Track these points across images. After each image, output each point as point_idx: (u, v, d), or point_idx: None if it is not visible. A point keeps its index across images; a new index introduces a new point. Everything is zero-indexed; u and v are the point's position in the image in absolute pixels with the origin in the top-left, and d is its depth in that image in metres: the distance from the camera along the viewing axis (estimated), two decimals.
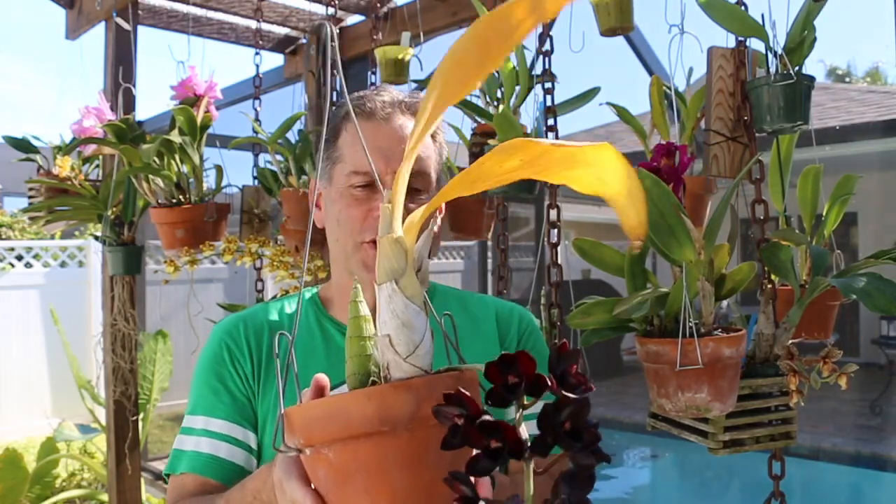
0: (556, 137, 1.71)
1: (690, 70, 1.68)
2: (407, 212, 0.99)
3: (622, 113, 1.73)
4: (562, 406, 0.49)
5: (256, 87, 2.55)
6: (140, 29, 2.69)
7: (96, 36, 2.90)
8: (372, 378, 0.60)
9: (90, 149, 2.45)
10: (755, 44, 1.48)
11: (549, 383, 0.50)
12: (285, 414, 0.58)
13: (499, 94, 1.77)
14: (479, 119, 1.84)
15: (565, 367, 0.52)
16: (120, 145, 2.14)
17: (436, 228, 1.11)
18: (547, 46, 1.72)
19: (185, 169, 2.20)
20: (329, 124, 1.07)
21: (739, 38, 1.48)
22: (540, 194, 1.79)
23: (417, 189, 1.03)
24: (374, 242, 0.99)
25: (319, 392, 0.65)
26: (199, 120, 2.14)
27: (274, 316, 1.10)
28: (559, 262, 1.69)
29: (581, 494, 0.48)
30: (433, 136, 1.08)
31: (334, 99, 2.49)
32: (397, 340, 0.57)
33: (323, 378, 0.65)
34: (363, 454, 0.55)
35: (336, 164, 1.05)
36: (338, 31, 2.71)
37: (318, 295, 1.16)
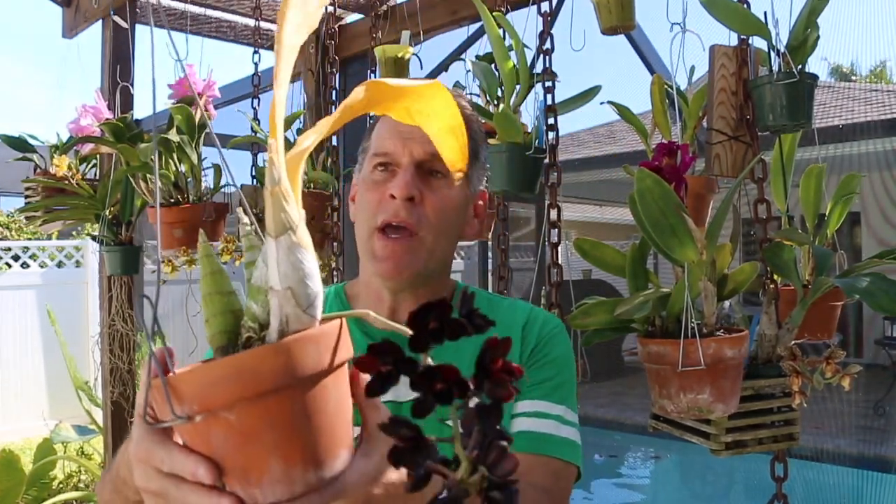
0: (557, 136, 1.70)
1: (692, 69, 1.66)
2: (422, 197, 0.98)
3: (623, 112, 1.71)
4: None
5: (255, 86, 2.54)
6: (137, 27, 2.68)
7: (94, 34, 2.90)
8: (248, 335, 0.57)
9: (87, 148, 2.44)
10: (758, 42, 1.47)
11: (469, 387, 0.52)
12: (171, 382, 0.54)
13: (499, 93, 1.75)
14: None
15: (491, 361, 0.53)
16: (117, 144, 2.13)
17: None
18: (547, 45, 1.70)
19: (183, 168, 2.18)
20: (371, 119, 1.11)
21: (742, 37, 1.47)
22: (540, 194, 1.78)
23: (437, 171, 1.02)
24: (383, 229, 0.99)
25: (164, 363, 0.61)
26: (196, 119, 2.13)
27: None
28: (560, 262, 1.67)
29: (493, 423, 0.51)
30: (466, 128, 1.07)
31: (332, 98, 2.47)
32: (299, 293, 0.56)
33: (162, 350, 0.62)
34: (272, 410, 0.54)
35: (367, 155, 1.07)
36: (337, 29, 2.69)
37: (345, 290, 1.14)
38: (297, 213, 0.57)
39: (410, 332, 0.53)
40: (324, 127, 0.59)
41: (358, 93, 0.59)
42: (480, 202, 1.11)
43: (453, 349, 0.55)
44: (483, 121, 1.80)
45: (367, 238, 1.02)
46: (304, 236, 0.57)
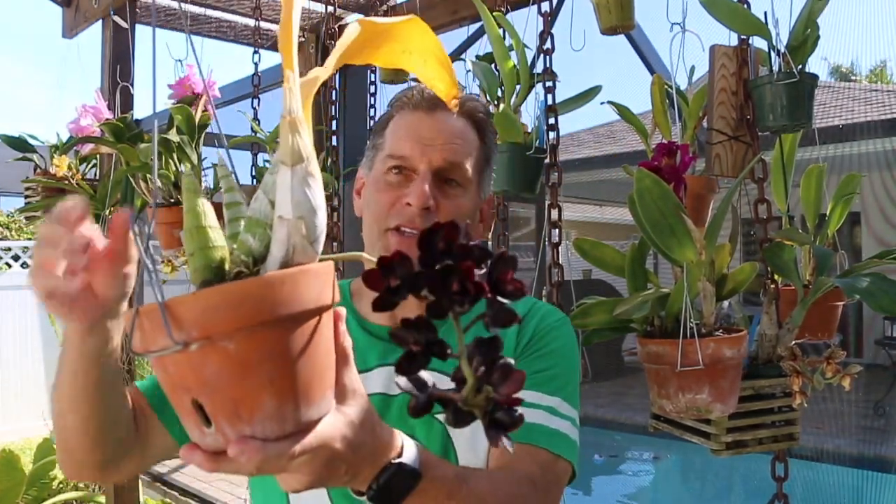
0: (557, 136, 1.70)
1: (692, 69, 1.66)
2: (437, 205, 0.97)
3: (623, 112, 1.71)
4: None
5: (255, 86, 2.54)
6: (137, 27, 2.68)
7: (94, 34, 2.90)
8: (237, 269, 0.55)
9: (87, 148, 2.44)
10: (758, 42, 1.47)
11: (484, 288, 0.51)
12: (168, 306, 0.51)
13: (499, 93, 1.76)
14: None
15: (500, 273, 0.52)
16: (117, 144, 2.13)
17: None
18: (548, 45, 1.70)
19: (183, 168, 2.18)
20: (382, 115, 1.10)
21: (742, 37, 1.47)
22: (541, 194, 1.78)
23: (452, 179, 1.02)
24: (397, 229, 0.99)
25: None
26: (197, 119, 2.13)
27: None
28: (560, 262, 1.67)
29: (494, 353, 0.51)
30: (481, 134, 1.07)
31: (332, 97, 2.47)
32: (310, 223, 0.55)
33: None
34: (272, 341, 0.52)
35: (378, 152, 1.06)
36: (337, 29, 2.69)
37: (350, 286, 1.14)
38: (311, 144, 0.57)
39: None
40: (329, 63, 0.60)
41: (353, 30, 0.59)
42: (486, 206, 1.11)
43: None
44: None
45: (378, 237, 1.01)
46: (316, 168, 0.57)
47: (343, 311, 0.63)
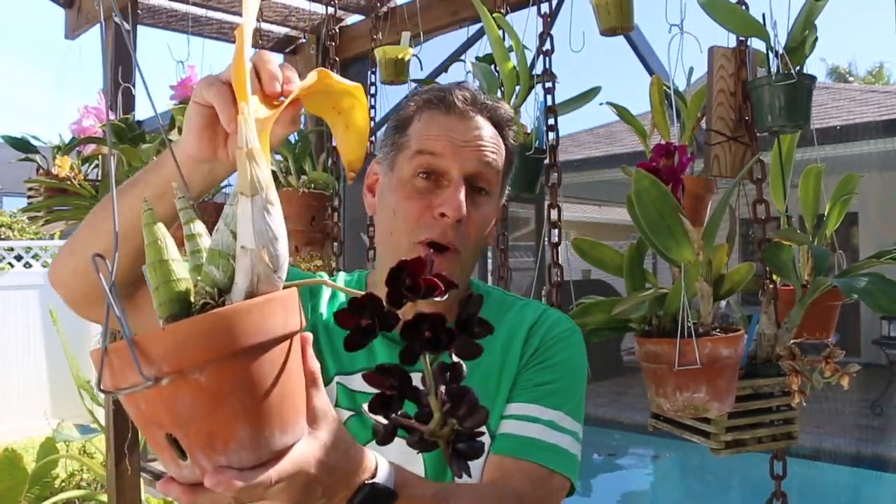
0: (557, 137, 1.71)
1: (691, 70, 1.67)
2: (468, 216, 0.95)
3: (622, 113, 1.72)
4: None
5: None
6: (139, 28, 2.69)
7: (94, 35, 2.91)
8: (203, 301, 0.55)
9: (89, 148, 2.44)
10: (756, 43, 1.47)
11: (455, 335, 0.54)
12: (137, 342, 0.50)
13: (499, 94, 1.76)
14: None
15: (469, 314, 0.55)
16: (119, 145, 2.14)
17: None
18: (547, 46, 1.71)
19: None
20: (402, 111, 1.04)
21: (740, 38, 1.48)
22: (540, 194, 1.79)
23: (481, 188, 0.98)
24: (427, 243, 0.95)
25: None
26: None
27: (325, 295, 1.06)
28: (559, 262, 1.68)
29: (461, 390, 0.54)
30: (503, 135, 1.03)
31: None
32: (273, 253, 0.56)
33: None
34: (243, 371, 0.53)
35: (402, 151, 0.99)
36: (337, 30, 2.70)
37: (367, 279, 1.11)
38: (269, 174, 0.57)
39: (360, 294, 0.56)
40: (287, 101, 0.65)
41: (311, 77, 0.65)
42: (498, 211, 1.09)
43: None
44: None
45: (407, 251, 0.95)
46: (275, 196, 0.58)
47: (309, 336, 0.63)
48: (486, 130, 1.00)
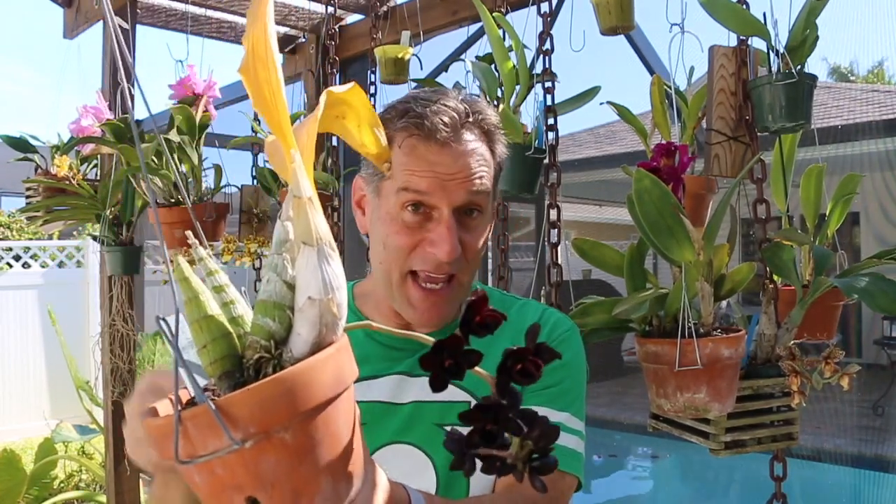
0: (557, 136, 1.70)
1: (691, 69, 1.67)
2: (462, 243, 0.93)
3: (623, 112, 1.72)
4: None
5: None
6: (138, 28, 2.69)
7: (95, 35, 2.90)
8: (258, 355, 0.54)
9: (88, 148, 2.44)
10: (757, 42, 1.47)
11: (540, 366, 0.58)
12: (220, 406, 0.49)
13: (499, 94, 1.76)
14: None
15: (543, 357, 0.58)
16: (118, 144, 2.13)
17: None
18: (547, 45, 1.71)
19: (183, 168, 2.19)
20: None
21: (741, 37, 1.47)
22: (540, 194, 1.78)
23: (473, 209, 0.96)
24: (418, 275, 0.94)
25: (161, 394, 0.62)
26: (197, 119, 2.13)
27: None
28: (559, 262, 1.68)
29: (534, 417, 0.57)
30: (493, 146, 0.99)
31: None
32: (339, 302, 0.55)
33: (157, 382, 0.64)
34: (323, 424, 0.53)
35: (385, 180, 0.95)
36: (337, 29, 2.70)
37: (353, 291, 1.10)
38: (325, 223, 0.56)
39: (427, 338, 0.57)
40: (313, 130, 0.58)
41: (322, 99, 0.60)
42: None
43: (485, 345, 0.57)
44: None
45: (399, 283, 0.95)
46: (334, 245, 0.57)
47: None
48: (469, 147, 0.94)
